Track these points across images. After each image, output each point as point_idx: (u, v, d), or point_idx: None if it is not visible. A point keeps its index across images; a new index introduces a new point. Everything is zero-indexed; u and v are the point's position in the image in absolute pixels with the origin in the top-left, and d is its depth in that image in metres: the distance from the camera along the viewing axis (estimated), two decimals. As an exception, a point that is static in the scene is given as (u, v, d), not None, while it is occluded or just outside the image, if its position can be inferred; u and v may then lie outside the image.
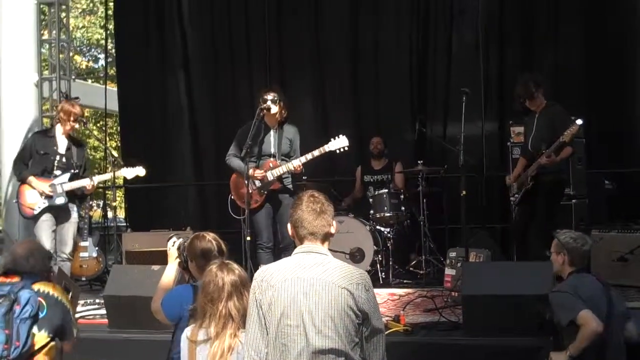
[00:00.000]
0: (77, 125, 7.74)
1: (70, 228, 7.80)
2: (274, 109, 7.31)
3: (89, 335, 6.01)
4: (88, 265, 8.84)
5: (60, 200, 7.62)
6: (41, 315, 4.19)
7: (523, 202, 7.58)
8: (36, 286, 4.27)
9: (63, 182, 7.62)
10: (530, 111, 7.66)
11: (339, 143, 7.17)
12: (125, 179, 8.12)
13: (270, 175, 7.29)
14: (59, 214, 7.72)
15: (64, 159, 7.74)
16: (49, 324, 4.21)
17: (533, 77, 7.69)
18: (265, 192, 7.33)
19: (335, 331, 3.40)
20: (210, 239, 4.74)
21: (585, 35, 10.03)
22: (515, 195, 7.70)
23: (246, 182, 6.91)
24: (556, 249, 5.00)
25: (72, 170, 7.71)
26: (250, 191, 7.08)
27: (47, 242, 7.54)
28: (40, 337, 4.16)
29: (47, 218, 7.65)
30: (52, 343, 4.23)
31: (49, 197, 7.60)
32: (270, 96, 7.30)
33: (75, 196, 7.81)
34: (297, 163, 7.21)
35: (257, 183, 7.28)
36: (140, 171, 7.82)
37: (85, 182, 7.63)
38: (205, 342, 3.99)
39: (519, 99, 7.65)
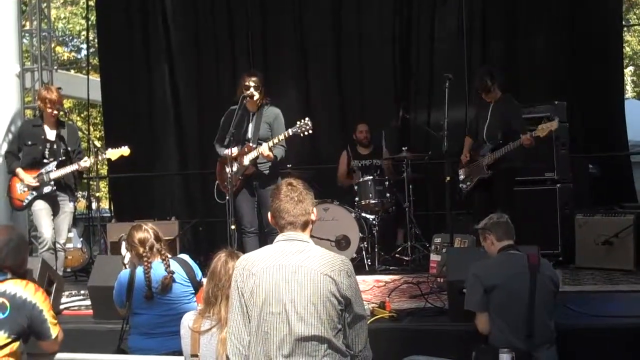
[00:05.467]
0: (55, 112, 7.63)
1: (64, 218, 7.75)
2: (257, 95, 7.40)
3: (74, 327, 6.03)
4: (73, 256, 8.80)
5: (47, 189, 7.57)
6: (2, 316, 4.10)
7: (478, 190, 7.75)
8: (3, 285, 4.18)
9: (50, 171, 7.57)
10: (484, 101, 7.83)
11: (303, 126, 7.19)
12: (110, 160, 8.00)
13: (245, 160, 7.37)
14: (52, 204, 7.67)
15: (54, 146, 7.67)
16: (10, 326, 4.12)
17: (489, 70, 7.94)
18: (241, 177, 7.42)
19: (318, 318, 3.40)
20: (147, 228, 5.06)
21: (567, 20, 10.03)
22: (467, 184, 7.79)
23: (229, 170, 6.96)
24: (482, 236, 5.21)
25: (60, 158, 7.63)
26: (229, 176, 7.21)
27: (47, 230, 7.54)
28: None
29: (42, 206, 7.61)
30: (15, 344, 4.14)
31: (36, 188, 7.55)
32: (252, 83, 7.37)
33: (67, 185, 7.73)
34: (264, 148, 7.24)
35: (235, 168, 7.31)
36: (124, 151, 7.72)
37: (73, 168, 7.57)
38: (208, 331, 4.11)
39: (476, 91, 7.94)
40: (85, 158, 7.66)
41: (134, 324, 4.99)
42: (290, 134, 7.26)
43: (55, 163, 7.60)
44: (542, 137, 7.22)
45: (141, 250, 5.00)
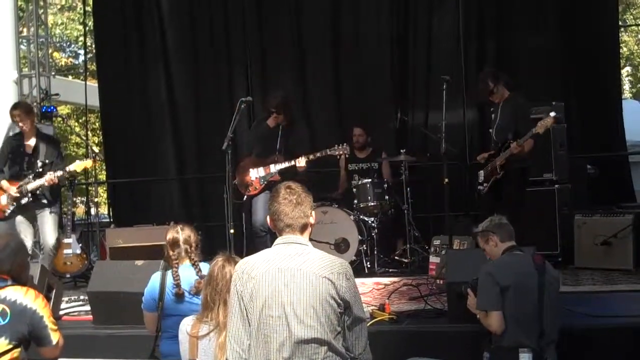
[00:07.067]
0: (21, 124, 8.07)
1: (45, 225, 8.19)
2: (285, 116, 8.26)
3: (73, 332, 6.02)
4: (72, 262, 8.79)
5: (24, 200, 8.02)
6: (3, 322, 4.08)
7: (491, 190, 7.71)
8: (4, 292, 4.17)
9: (28, 183, 7.98)
10: (495, 102, 7.79)
11: (341, 149, 8.13)
12: (76, 172, 8.41)
13: (272, 169, 8.09)
14: (32, 214, 8.18)
15: (32, 159, 8.12)
16: (11, 333, 4.09)
17: (490, 73, 7.93)
18: (265, 182, 8.08)
19: (318, 321, 3.40)
20: (179, 229, 5.07)
21: (564, 20, 10.04)
22: (483, 185, 7.79)
23: (227, 175, 7.09)
24: (483, 239, 5.23)
25: (37, 169, 8.04)
26: (253, 179, 8.19)
27: (27, 241, 7.96)
28: None
29: (20, 219, 8.13)
30: (16, 351, 4.12)
31: (16, 199, 8.00)
32: (275, 109, 8.24)
33: (43, 195, 8.12)
34: (301, 161, 7.98)
35: (261, 172, 8.12)
36: (87, 163, 8.22)
37: (42, 181, 7.95)
38: (206, 336, 4.12)
39: (481, 95, 7.98)
40: (49, 173, 7.98)
41: (165, 327, 4.96)
42: (328, 153, 8.13)
43: (32, 175, 8.03)
44: (542, 133, 7.23)
45: (170, 252, 5.04)
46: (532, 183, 8.34)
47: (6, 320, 4.12)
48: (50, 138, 8.62)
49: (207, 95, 11.30)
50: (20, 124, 8.05)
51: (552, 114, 7.15)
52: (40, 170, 8.05)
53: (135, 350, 5.51)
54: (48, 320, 4.25)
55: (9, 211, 8.03)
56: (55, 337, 4.29)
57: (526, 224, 7.50)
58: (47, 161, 8.10)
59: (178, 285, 4.90)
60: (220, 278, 4.18)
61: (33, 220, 8.21)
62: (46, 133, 8.70)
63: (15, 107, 8.22)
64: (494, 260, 5.10)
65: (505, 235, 5.10)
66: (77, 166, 8.12)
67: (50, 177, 7.92)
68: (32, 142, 8.17)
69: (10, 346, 4.11)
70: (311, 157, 8.03)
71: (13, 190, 7.97)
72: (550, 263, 7.39)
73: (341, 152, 8.17)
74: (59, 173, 8.03)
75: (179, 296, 4.91)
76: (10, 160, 8.15)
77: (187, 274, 4.95)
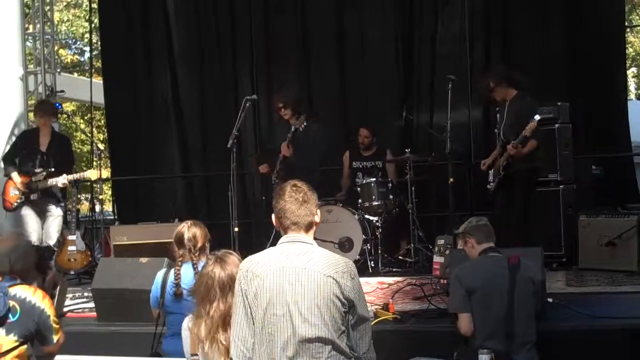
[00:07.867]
0: (40, 119, 8.46)
1: (53, 221, 8.42)
2: (288, 114, 8.61)
3: (77, 329, 6.03)
4: (76, 259, 8.83)
5: (33, 196, 8.27)
6: (12, 319, 4.14)
7: (498, 191, 7.72)
8: (13, 289, 4.23)
9: (39, 180, 8.21)
10: (500, 102, 7.77)
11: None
12: (90, 180, 8.93)
13: (278, 166, 8.48)
14: (40, 209, 8.35)
15: (44, 157, 8.32)
16: (20, 329, 4.15)
17: (491, 74, 7.97)
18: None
19: (322, 320, 3.40)
20: (188, 225, 5.07)
21: (570, 20, 10.01)
22: (490, 184, 7.79)
23: (232, 173, 7.12)
24: (462, 240, 5.33)
25: (50, 168, 8.23)
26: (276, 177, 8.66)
27: (32, 233, 8.21)
28: (6, 340, 4.11)
29: (28, 212, 8.32)
30: (22, 347, 4.17)
31: (24, 193, 8.23)
32: (281, 103, 8.64)
33: (53, 193, 8.37)
34: (284, 147, 8.37)
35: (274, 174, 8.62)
36: (102, 173, 8.93)
37: (56, 181, 8.19)
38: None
39: (484, 93, 8.06)
40: (64, 175, 8.22)
41: (168, 324, 5.01)
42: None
43: (44, 173, 8.23)
44: (529, 136, 7.25)
45: (175, 249, 5.07)
46: (537, 183, 8.34)
47: (16, 317, 4.17)
48: (63, 137, 8.95)
49: (212, 94, 11.28)
50: (39, 119, 8.41)
51: (537, 117, 7.18)
52: (53, 170, 8.23)
53: (139, 347, 5.50)
54: (53, 321, 4.31)
55: (16, 204, 8.27)
56: (57, 336, 4.36)
57: (531, 224, 7.52)
58: (61, 160, 8.36)
59: (177, 285, 4.90)
60: (204, 289, 4.00)
61: (40, 215, 8.37)
62: (60, 133, 9.07)
63: (38, 102, 8.78)
64: (465, 263, 5.15)
65: (482, 237, 5.13)
66: (91, 174, 8.50)
67: (65, 180, 8.16)
68: (46, 140, 8.39)
69: (18, 343, 4.15)
70: (289, 135, 8.41)
71: (23, 184, 8.20)
72: (554, 264, 7.48)
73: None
74: (74, 176, 8.27)
75: (178, 295, 4.91)
76: (23, 156, 8.38)
77: (191, 272, 4.95)
